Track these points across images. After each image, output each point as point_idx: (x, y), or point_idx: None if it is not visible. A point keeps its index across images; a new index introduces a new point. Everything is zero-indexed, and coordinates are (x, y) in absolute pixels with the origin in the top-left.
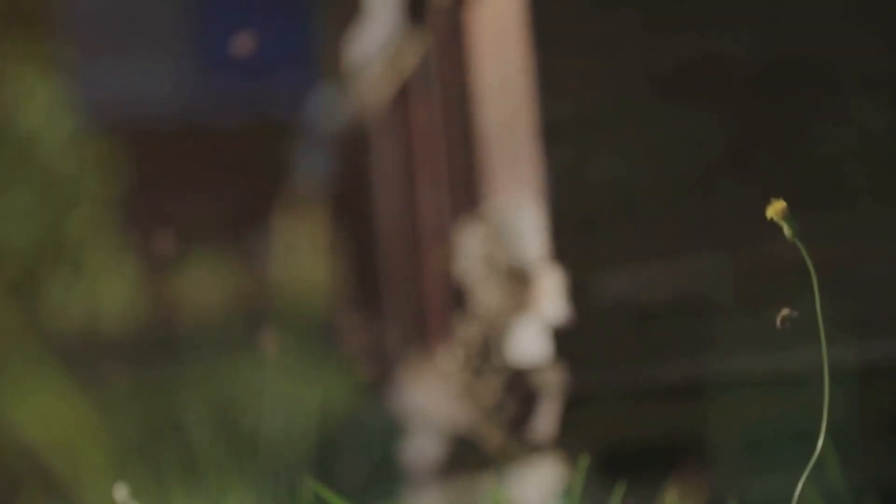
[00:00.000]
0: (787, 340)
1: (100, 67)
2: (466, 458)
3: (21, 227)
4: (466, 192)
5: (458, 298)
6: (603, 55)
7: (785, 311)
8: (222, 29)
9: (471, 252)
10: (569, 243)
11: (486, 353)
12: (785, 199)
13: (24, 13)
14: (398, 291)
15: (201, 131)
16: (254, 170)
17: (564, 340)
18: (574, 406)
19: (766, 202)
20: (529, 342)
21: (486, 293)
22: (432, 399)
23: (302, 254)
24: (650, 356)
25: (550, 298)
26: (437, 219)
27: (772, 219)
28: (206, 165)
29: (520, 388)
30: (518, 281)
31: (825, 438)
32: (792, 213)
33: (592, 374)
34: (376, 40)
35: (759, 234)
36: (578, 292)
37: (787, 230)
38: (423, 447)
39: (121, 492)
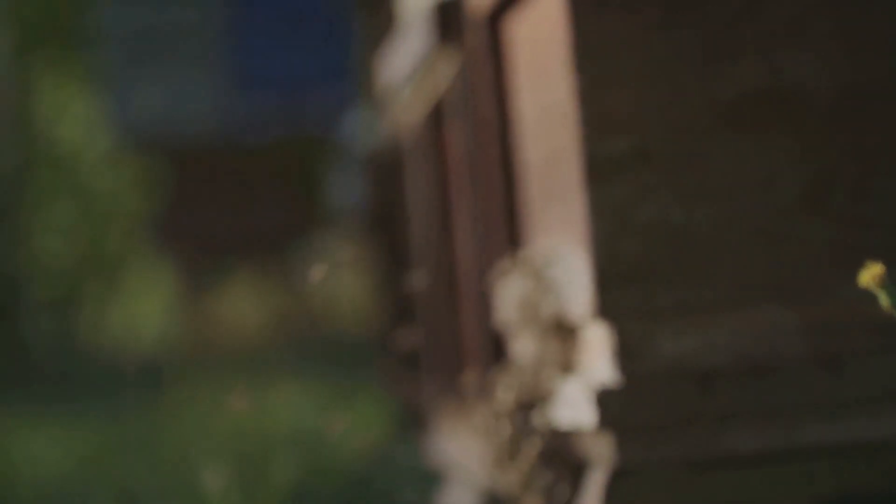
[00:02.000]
0: (869, 405)
1: (137, 85)
2: None
3: (60, 243)
4: (505, 231)
5: (496, 346)
6: (658, 82)
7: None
8: (259, 47)
9: (510, 300)
10: (618, 295)
11: (525, 413)
12: (864, 247)
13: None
14: (433, 328)
15: (238, 148)
16: (290, 187)
17: (612, 404)
18: (621, 478)
19: (842, 248)
20: (573, 404)
21: (525, 347)
22: (467, 451)
23: (337, 276)
24: (709, 423)
25: (597, 356)
26: (474, 256)
27: (864, 285)
28: (242, 182)
29: (561, 455)
30: (561, 336)
31: None
32: (869, 261)
33: (642, 443)
34: (409, 58)
35: (835, 285)
36: (628, 350)
37: (883, 301)
38: (456, 501)
39: None
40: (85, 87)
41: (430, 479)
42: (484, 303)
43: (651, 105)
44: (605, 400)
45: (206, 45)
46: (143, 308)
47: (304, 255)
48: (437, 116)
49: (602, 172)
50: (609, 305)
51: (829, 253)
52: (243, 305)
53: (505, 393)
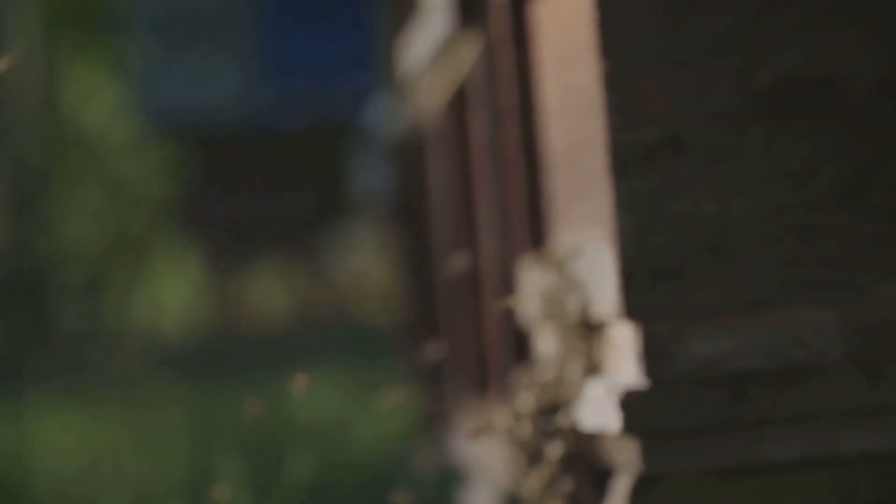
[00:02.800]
0: None
1: (164, 71)
2: None
3: (87, 229)
4: (528, 224)
5: (520, 343)
6: (691, 67)
7: None
8: (286, 33)
9: (532, 297)
10: (646, 293)
11: (547, 415)
12: None
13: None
14: (455, 322)
15: (265, 134)
16: (316, 173)
17: (639, 409)
18: (648, 486)
19: (884, 245)
20: (598, 407)
21: (549, 347)
22: (489, 451)
23: (362, 263)
24: (742, 430)
25: (623, 358)
26: (497, 249)
27: None
28: (268, 168)
29: (584, 460)
30: (586, 335)
31: None
32: None
33: (670, 450)
34: (431, 42)
35: (876, 283)
36: (656, 352)
37: None
38: (477, 502)
39: None
40: (112, 73)
41: (451, 478)
42: (507, 298)
43: (683, 92)
44: (632, 404)
45: (234, 31)
46: (169, 294)
47: (330, 242)
48: (459, 103)
49: (630, 163)
50: (636, 304)
51: (869, 249)
52: (269, 291)
53: (526, 393)
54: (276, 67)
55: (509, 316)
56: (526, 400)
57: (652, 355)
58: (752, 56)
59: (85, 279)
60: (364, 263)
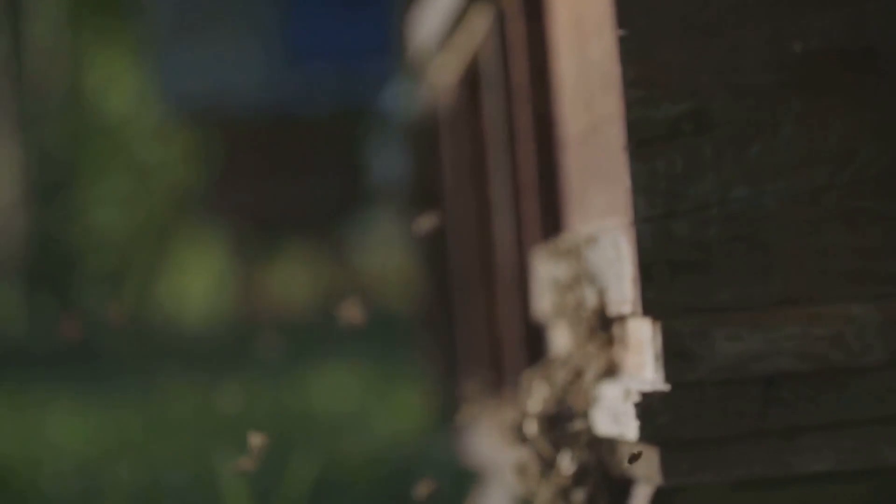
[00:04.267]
0: None
1: (188, 56)
2: None
3: (112, 216)
4: (542, 211)
5: (534, 338)
6: (717, 37)
7: None
8: (311, 18)
9: (545, 290)
10: (667, 287)
11: (560, 419)
12: None
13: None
14: (469, 314)
15: (289, 120)
16: (342, 160)
17: (658, 413)
18: (668, 498)
19: None
20: (615, 411)
21: (563, 345)
22: (501, 453)
23: (385, 251)
24: (773, 438)
25: (642, 358)
26: (510, 237)
27: None
28: (293, 155)
29: (600, 468)
30: (602, 332)
31: None
32: None
33: (693, 459)
34: (441, 16)
35: None
36: (679, 351)
37: None
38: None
39: None
40: (136, 58)
41: (465, 476)
42: (521, 290)
43: (709, 63)
44: (650, 409)
45: (258, 16)
46: (193, 281)
47: (355, 230)
48: (471, 81)
49: (650, 142)
50: (655, 299)
51: None
52: (292, 279)
53: (538, 395)
54: (300, 52)
55: (522, 310)
56: (537, 402)
57: (672, 356)
58: (787, 23)
59: (110, 267)
60: (387, 252)
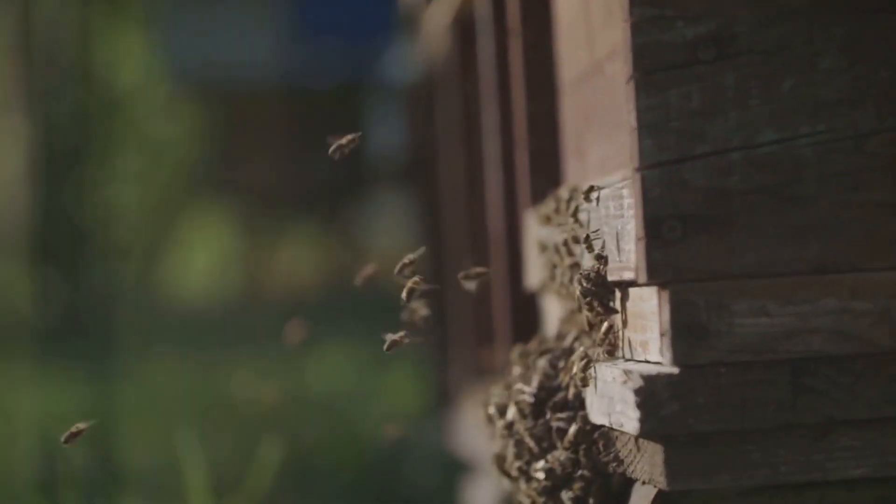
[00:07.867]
0: None
1: (195, 31)
2: None
3: (121, 192)
4: (535, 166)
5: (526, 312)
6: None
7: None
8: None
9: (538, 258)
10: (678, 248)
11: (556, 402)
12: None
13: None
14: (458, 294)
15: (297, 96)
16: (348, 134)
17: (664, 401)
18: (672, 500)
19: None
20: (612, 398)
21: (560, 318)
22: (489, 442)
23: (390, 228)
24: (802, 431)
25: (647, 334)
26: (501, 196)
27: None
28: (301, 130)
29: (598, 459)
30: (601, 303)
31: None
32: None
33: (704, 457)
34: None
35: None
36: (690, 326)
37: None
38: (479, 495)
39: None
40: (145, 33)
41: (454, 466)
42: (511, 258)
43: None
44: (654, 396)
45: None
46: (199, 257)
47: (362, 206)
48: (463, 26)
49: (661, 71)
50: (665, 261)
51: None
52: (298, 257)
53: (524, 377)
54: (309, 27)
55: (513, 281)
56: (521, 386)
57: (683, 332)
58: None
59: (119, 243)
60: (392, 228)
